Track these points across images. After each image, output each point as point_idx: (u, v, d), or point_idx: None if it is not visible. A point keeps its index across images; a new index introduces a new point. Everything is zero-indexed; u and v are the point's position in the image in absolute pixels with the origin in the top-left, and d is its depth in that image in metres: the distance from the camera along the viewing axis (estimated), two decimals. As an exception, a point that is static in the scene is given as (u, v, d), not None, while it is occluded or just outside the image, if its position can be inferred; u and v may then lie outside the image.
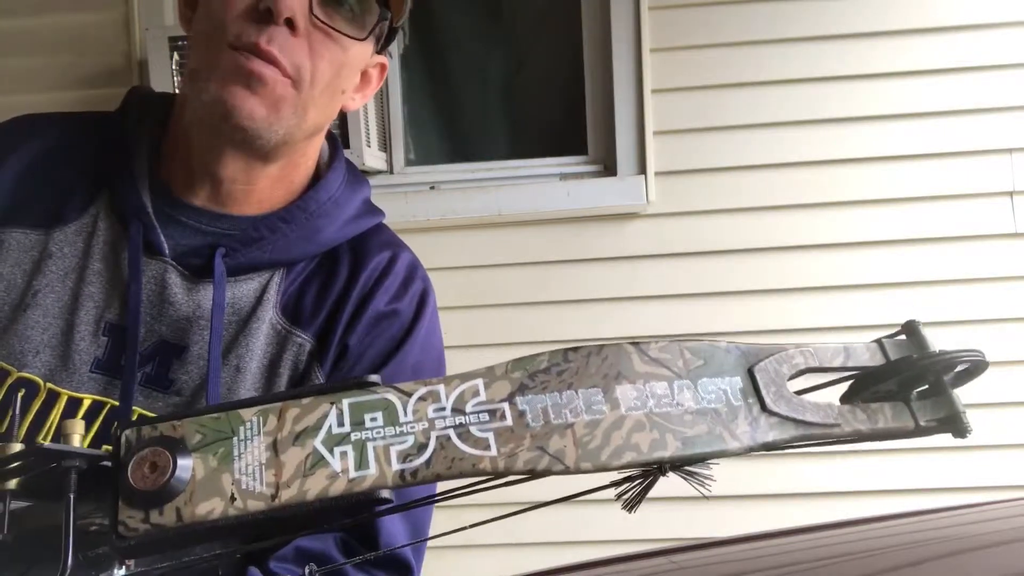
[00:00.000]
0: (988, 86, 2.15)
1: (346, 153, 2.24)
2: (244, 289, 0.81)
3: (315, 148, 0.87)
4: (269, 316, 0.81)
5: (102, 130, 0.84)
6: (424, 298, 0.88)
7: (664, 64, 2.21)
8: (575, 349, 0.49)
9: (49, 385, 0.77)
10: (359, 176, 0.91)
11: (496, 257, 2.23)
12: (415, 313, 0.87)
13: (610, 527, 2.19)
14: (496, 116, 2.45)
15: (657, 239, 2.21)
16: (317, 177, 0.87)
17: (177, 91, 0.82)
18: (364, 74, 0.86)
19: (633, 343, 0.49)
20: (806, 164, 2.18)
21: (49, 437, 0.76)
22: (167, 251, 0.79)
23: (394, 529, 0.80)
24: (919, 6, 2.16)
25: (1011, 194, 2.15)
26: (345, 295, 0.83)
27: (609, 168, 2.25)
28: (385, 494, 0.45)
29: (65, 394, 0.77)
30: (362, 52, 0.81)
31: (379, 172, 2.29)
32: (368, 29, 0.78)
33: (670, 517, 2.18)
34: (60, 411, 0.76)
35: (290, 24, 0.74)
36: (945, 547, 0.68)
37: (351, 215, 0.87)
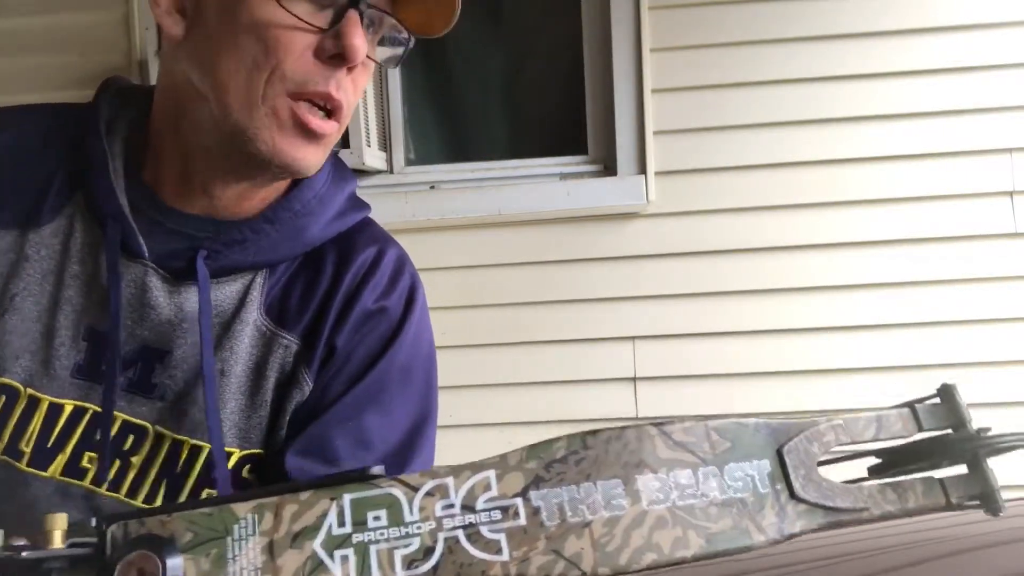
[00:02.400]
0: (988, 86, 2.15)
1: (346, 153, 2.24)
2: (226, 291, 0.79)
3: None
4: (253, 318, 0.79)
5: (76, 124, 0.79)
6: (413, 294, 0.86)
7: (664, 64, 2.21)
8: (594, 433, 0.45)
9: (29, 391, 0.75)
10: (344, 171, 0.88)
11: (496, 257, 2.23)
12: (404, 310, 0.84)
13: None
14: (496, 116, 2.45)
15: (657, 239, 2.21)
16: None
17: (157, 86, 0.79)
18: None
19: (656, 425, 0.46)
20: (806, 164, 2.18)
21: (32, 444, 0.75)
22: (147, 254, 0.76)
23: None
24: (919, 6, 2.16)
25: (1011, 194, 2.15)
26: (331, 294, 0.80)
27: (609, 168, 2.25)
28: None
29: (46, 400, 0.75)
30: None
31: (379, 172, 2.29)
32: (400, 56, 0.77)
33: (670, 517, 2.19)
34: (42, 417, 0.75)
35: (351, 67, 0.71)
36: (945, 547, 0.68)
37: (336, 212, 0.84)
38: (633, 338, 2.21)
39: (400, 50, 0.77)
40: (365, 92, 2.12)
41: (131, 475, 0.76)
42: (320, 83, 0.69)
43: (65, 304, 0.76)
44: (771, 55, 2.19)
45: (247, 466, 0.79)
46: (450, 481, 0.45)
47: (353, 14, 0.69)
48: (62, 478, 0.76)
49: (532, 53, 2.47)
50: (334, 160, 0.86)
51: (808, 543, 0.94)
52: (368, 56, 0.72)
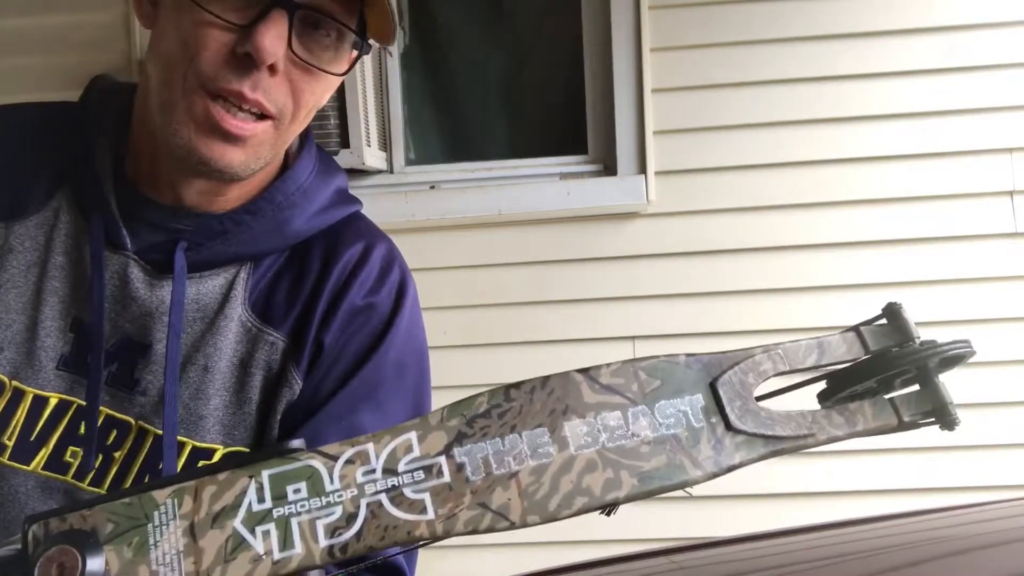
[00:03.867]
0: (988, 86, 2.15)
1: (346, 153, 2.24)
2: (209, 285, 0.78)
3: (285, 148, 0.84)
4: (238, 313, 0.78)
5: (62, 122, 0.80)
6: (403, 289, 0.84)
7: (664, 64, 2.21)
8: (517, 385, 0.45)
9: (15, 383, 0.75)
10: (332, 165, 0.87)
11: (496, 257, 2.23)
12: (394, 305, 0.83)
13: (610, 527, 2.19)
14: (496, 116, 2.45)
15: (657, 239, 2.21)
16: (286, 167, 0.83)
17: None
18: None
19: (582, 371, 0.46)
20: (806, 164, 2.18)
21: (15, 437, 0.75)
22: (129, 245, 0.76)
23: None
24: (919, 6, 2.16)
25: (1011, 194, 2.15)
26: (318, 290, 0.79)
27: (609, 168, 2.25)
28: None
29: (31, 392, 0.75)
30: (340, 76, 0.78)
31: (379, 172, 2.29)
32: (348, 59, 0.75)
33: (669, 517, 2.19)
34: (26, 410, 0.75)
35: (271, 67, 0.69)
36: (945, 547, 0.68)
37: (322, 205, 0.82)
38: (633, 338, 2.21)
39: (348, 47, 0.74)
40: (365, 92, 2.11)
41: (114, 470, 0.76)
42: (232, 81, 0.67)
43: (50, 295, 0.76)
44: (771, 55, 2.19)
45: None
46: (370, 447, 0.44)
47: (277, 14, 0.66)
48: (44, 472, 0.75)
49: (532, 53, 2.47)
50: (320, 155, 0.86)
51: (808, 543, 0.94)
52: (303, 60, 0.70)
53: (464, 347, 2.23)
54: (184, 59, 0.67)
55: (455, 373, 2.23)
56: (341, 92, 2.06)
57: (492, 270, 2.23)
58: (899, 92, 2.16)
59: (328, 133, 2.12)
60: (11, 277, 0.75)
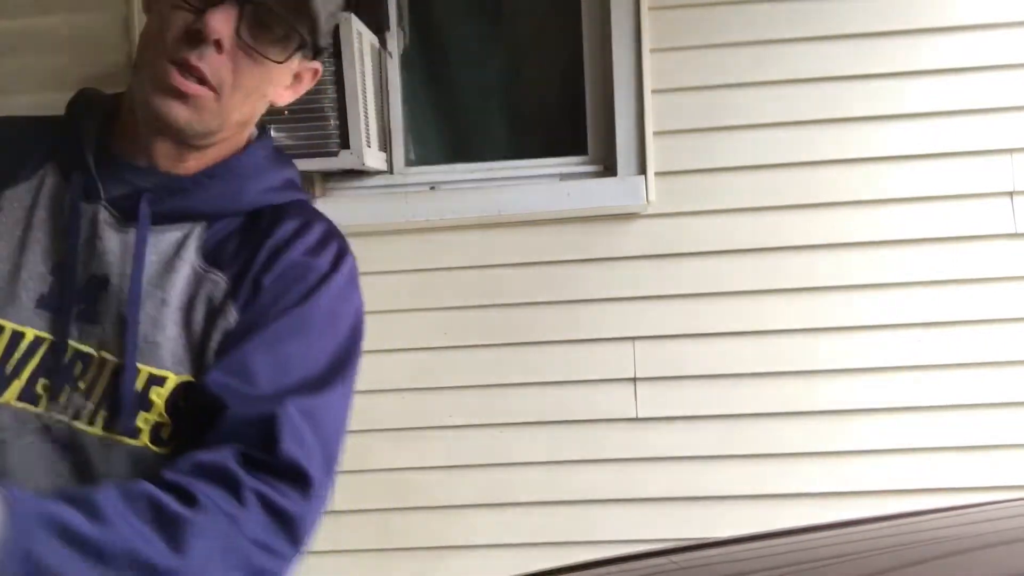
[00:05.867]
0: (988, 86, 2.15)
1: (346, 154, 2.25)
2: (168, 237, 0.88)
3: (244, 135, 0.96)
4: (191, 259, 0.88)
5: (52, 119, 0.94)
6: (341, 258, 0.93)
7: (664, 64, 2.21)
8: None
9: None
10: (287, 160, 1.00)
11: (496, 257, 2.23)
12: (331, 267, 0.91)
13: (610, 527, 2.19)
14: (496, 117, 2.45)
15: (657, 239, 2.21)
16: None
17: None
18: (297, 75, 0.95)
19: None
20: (806, 164, 2.18)
21: None
22: (102, 195, 0.87)
23: (297, 441, 0.81)
24: (919, 7, 2.16)
25: (1011, 194, 2.15)
26: (261, 244, 0.89)
27: (609, 168, 2.25)
28: None
29: (9, 327, 0.84)
30: (287, 67, 0.90)
31: (379, 172, 2.29)
32: (288, 55, 0.88)
33: (669, 517, 2.19)
34: (5, 343, 0.84)
35: (218, 44, 0.83)
36: (945, 547, 0.68)
37: (273, 185, 0.95)
38: (633, 338, 2.21)
39: (292, 46, 0.88)
40: (365, 93, 2.12)
41: (77, 398, 0.84)
42: (184, 51, 0.83)
43: (34, 244, 0.87)
44: (771, 55, 2.19)
45: (183, 397, 0.85)
46: None
47: (228, 4, 0.83)
48: (18, 404, 0.83)
49: (532, 54, 2.47)
50: (274, 149, 0.99)
51: (808, 543, 0.94)
52: (243, 43, 0.84)
53: (464, 347, 2.23)
54: (159, 36, 0.84)
55: (455, 373, 2.24)
56: (341, 93, 2.06)
57: (492, 270, 2.23)
58: (899, 92, 2.16)
59: (328, 134, 2.12)
60: (1, 234, 0.87)
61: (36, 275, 0.86)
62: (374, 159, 2.19)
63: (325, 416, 0.85)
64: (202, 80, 0.84)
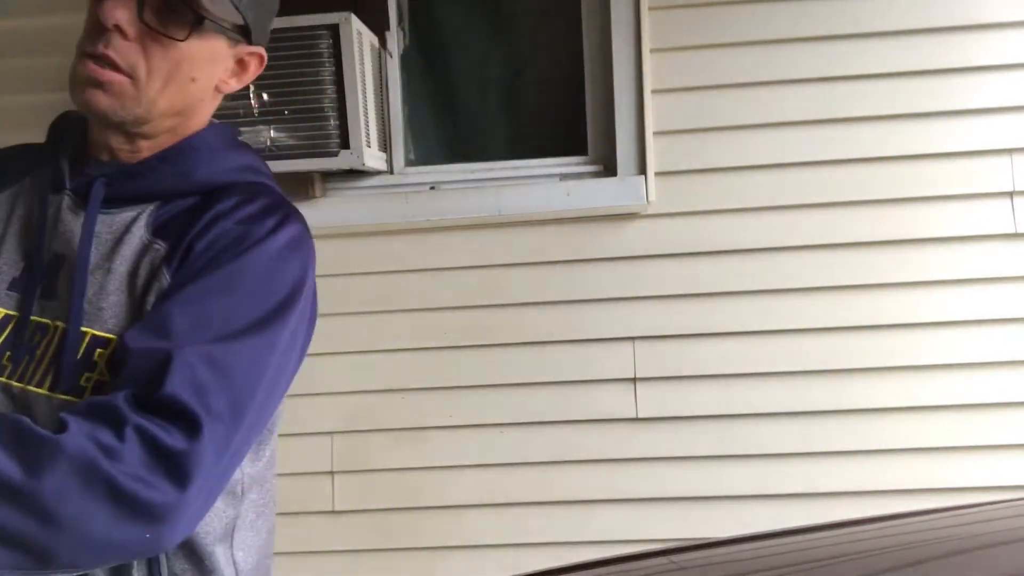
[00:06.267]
0: (988, 86, 2.15)
1: (346, 154, 2.25)
2: (122, 217, 0.94)
3: (193, 123, 0.99)
4: (140, 233, 0.93)
5: (36, 146, 1.02)
6: (283, 224, 0.94)
7: (664, 64, 2.21)
8: None
9: None
10: (244, 145, 1.04)
11: (496, 257, 2.23)
12: (268, 232, 0.93)
13: (610, 527, 2.19)
14: (496, 116, 2.45)
15: (657, 239, 2.21)
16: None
17: None
18: (241, 62, 0.99)
19: None
20: (806, 164, 2.18)
21: None
22: (67, 185, 0.95)
23: (189, 383, 0.82)
24: (919, 6, 2.16)
25: (1011, 194, 2.15)
26: (202, 214, 0.93)
27: (609, 168, 2.25)
28: None
29: None
30: (203, 48, 0.93)
31: (379, 173, 2.29)
32: (187, 33, 0.90)
33: (669, 517, 2.19)
34: None
35: (119, 31, 0.88)
36: (945, 547, 0.68)
37: (227, 167, 0.98)
38: (633, 338, 2.21)
39: (185, 22, 0.91)
40: (365, 93, 2.12)
41: (31, 365, 0.91)
42: (93, 42, 0.89)
43: (11, 237, 0.96)
44: (771, 55, 2.19)
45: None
46: None
47: None
48: None
49: (532, 53, 2.47)
50: (231, 135, 1.03)
51: (808, 543, 0.94)
52: (145, 25, 0.89)
53: (464, 347, 2.23)
54: (80, 40, 0.92)
55: (455, 373, 2.24)
56: (341, 93, 2.06)
57: (492, 270, 2.23)
58: (899, 92, 2.16)
59: (328, 134, 2.12)
60: None
61: (11, 262, 0.94)
62: (374, 159, 2.19)
63: (233, 362, 0.85)
64: (115, 67, 0.89)
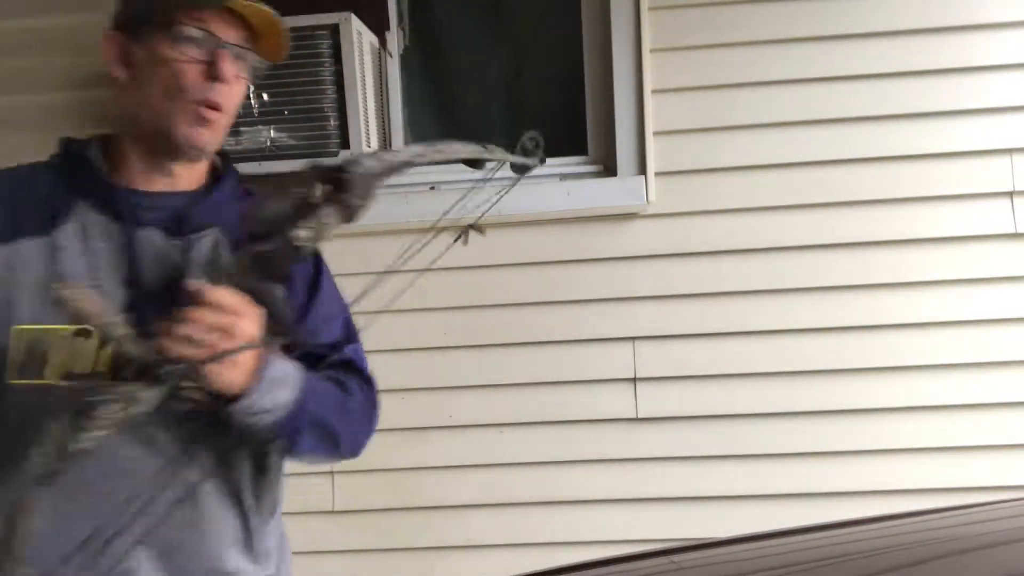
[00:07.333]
0: (988, 86, 2.15)
1: (346, 154, 2.26)
2: (204, 243, 1.13)
3: None
4: (226, 253, 1.14)
5: (47, 167, 1.14)
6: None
7: (664, 64, 2.21)
8: None
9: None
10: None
11: (496, 257, 2.23)
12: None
13: (610, 527, 2.19)
14: (496, 116, 2.45)
15: (657, 239, 2.21)
16: (215, 172, 1.22)
17: (112, 115, 1.17)
18: None
19: None
20: (806, 164, 2.18)
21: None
22: (143, 220, 1.10)
23: (363, 359, 1.30)
24: (919, 6, 2.16)
25: (1011, 194, 2.15)
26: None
27: (609, 168, 2.25)
28: None
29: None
30: None
31: (379, 172, 2.29)
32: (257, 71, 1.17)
33: (669, 517, 2.19)
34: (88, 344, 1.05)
35: (224, 80, 1.10)
36: (945, 547, 0.68)
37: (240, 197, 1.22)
38: (633, 338, 2.21)
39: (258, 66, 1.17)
40: (365, 93, 2.12)
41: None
42: (208, 92, 1.09)
43: (104, 265, 1.08)
44: (771, 55, 2.19)
45: None
46: None
47: (224, 52, 1.10)
48: None
49: (532, 53, 2.47)
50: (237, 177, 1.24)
51: (808, 543, 0.94)
52: (237, 75, 1.12)
53: (464, 347, 2.23)
54: (174, 83, 1.08)
55: (455, 373, 2.24)
56: (341, 93, 2.06)
57: (492, 270, 2.23)
58: (899, 92, 2.16)
59: (328, 134, 2.12)
60: (71, 265, 1.08)
61: (113, 288, 1.07)
62: (374, 159, 2.19)
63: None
64: (218, 108, 1.11)
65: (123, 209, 1.09)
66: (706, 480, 2.17)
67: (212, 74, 1.08)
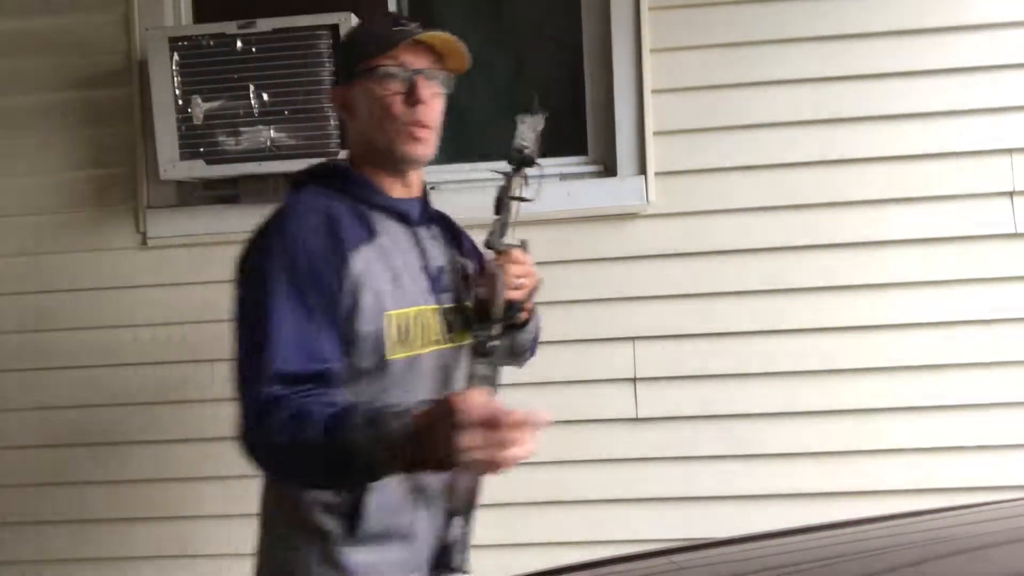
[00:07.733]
0: (988, 86, 2.15)
1: (346, 153, 2.26)
2: (439, 233, 1.50)
3: None
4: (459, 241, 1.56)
5: (329, 193, 1.38)
6: None
7: (664, 64, 2.21)
8: None
9: (418, 308, 1.36)
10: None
11: (496, 257, 2.22)
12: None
13: (610, 527, 2.19)
14: (496, 116, 2.45)
15: (657, 239, 2.21)
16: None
17: (349, 144, 1.48)
18: None
19: None
20: (806, 164, 2.18)
21: (417, 333, 1.35)
22: (415, 222, 1.43)
23: None
24: (919, 6, 2.16)
25: (1011, 194, 2.15)
26: (452, 222, 1.60)
27: (609, 168, 2.25)
28: None
29: (420, 309, 1.35)
30: None
31: (379, 172, 2.29)
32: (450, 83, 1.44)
33: (668, 517, 2.19)
34: (417, 316, 1.34)
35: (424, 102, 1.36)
36: (945, 547, 0.68)
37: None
38: (633, 338, 2.21)
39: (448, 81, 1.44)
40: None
41: (453, 335, 1.41)
42: (416, 115, 1.34)
43: (411, 261, 1.38)
44: (771, 55, 2.19)
45: None
46: None
47: (419, 78, 1.35)
48: (430, 348, 1.37)
49: (532, 54, 2.47)
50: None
51: (808, 543, 0.94)
52: (433, 93, 1.37)
53: (464, 347, 2.23)
54: (387, 113, 1.34)
55: (455, 373, 2.23)
56: (341, 92, 2.06)
57: (492, 270, 2.23)
58: (899, 92, 2.16)
59: (328, 134, 2.12)
60: (404, 261, 1.36)
61: (416, 276, 1.37)
62: (374, 159, 2.20)
63: None
64: (427, 126, 1.36)
65: (404, 214, 1.40)
66: (706, 480, 2.17)
67: (413, 99, 1.33)
